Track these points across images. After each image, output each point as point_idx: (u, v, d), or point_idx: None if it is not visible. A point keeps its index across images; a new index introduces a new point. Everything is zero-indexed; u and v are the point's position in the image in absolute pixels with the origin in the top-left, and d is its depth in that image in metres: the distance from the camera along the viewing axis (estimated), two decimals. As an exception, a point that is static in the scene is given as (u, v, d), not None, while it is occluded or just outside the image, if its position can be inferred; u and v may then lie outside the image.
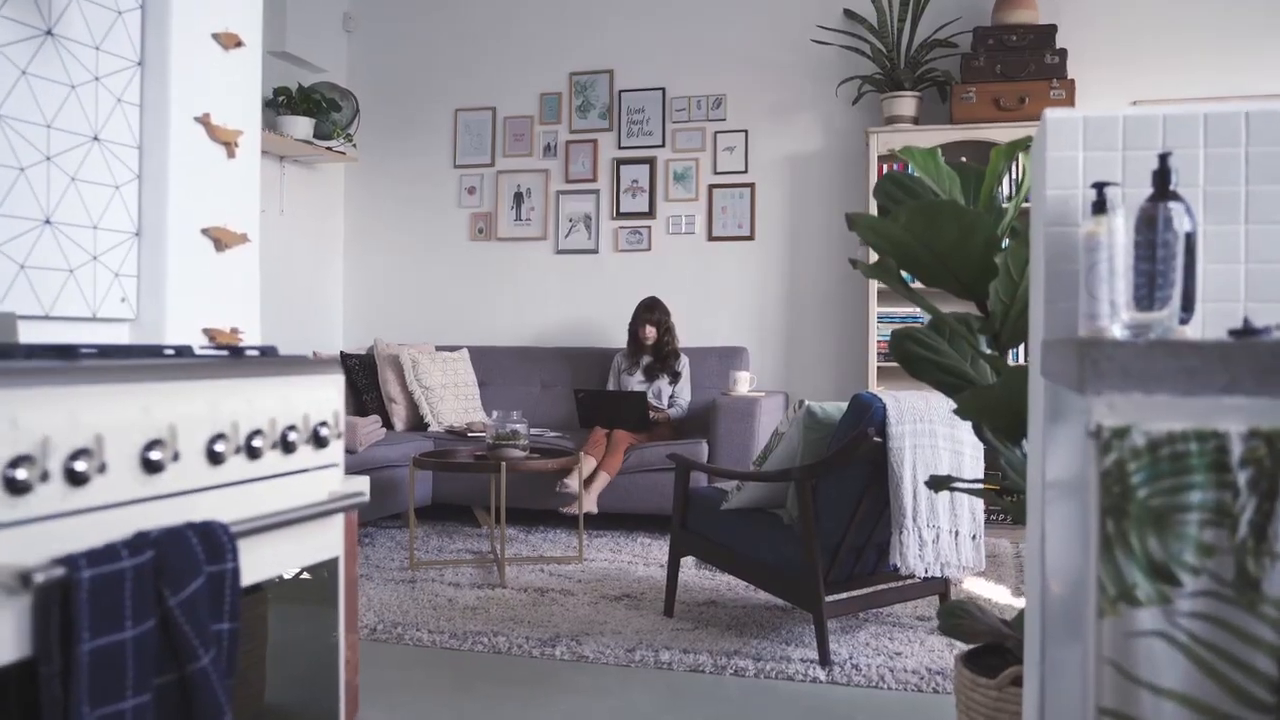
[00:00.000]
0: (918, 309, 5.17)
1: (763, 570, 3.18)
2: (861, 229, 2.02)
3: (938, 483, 2.11)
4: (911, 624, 3.40)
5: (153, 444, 1.10)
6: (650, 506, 4.83)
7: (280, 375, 1.34)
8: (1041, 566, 1.52)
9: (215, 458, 1.19)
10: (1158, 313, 1.22)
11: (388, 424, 5.31)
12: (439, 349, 5.73)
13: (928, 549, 2.96)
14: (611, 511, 4.91)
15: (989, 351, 2.12)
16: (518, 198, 6.06)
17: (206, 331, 2.10)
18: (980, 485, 2.32)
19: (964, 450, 3.08)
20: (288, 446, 1.32)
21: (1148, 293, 1.27)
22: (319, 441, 1.40)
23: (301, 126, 5.50)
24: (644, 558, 4.43)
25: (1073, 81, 4.87)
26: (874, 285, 5.11)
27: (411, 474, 4.26)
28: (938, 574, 3.02)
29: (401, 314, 6.24)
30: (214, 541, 1.11)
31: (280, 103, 5.47)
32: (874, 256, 5.15)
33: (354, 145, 5.90)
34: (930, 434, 2.98)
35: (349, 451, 4.49)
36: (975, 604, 2.17)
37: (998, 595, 3.81)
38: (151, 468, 1.09)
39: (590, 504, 4.73)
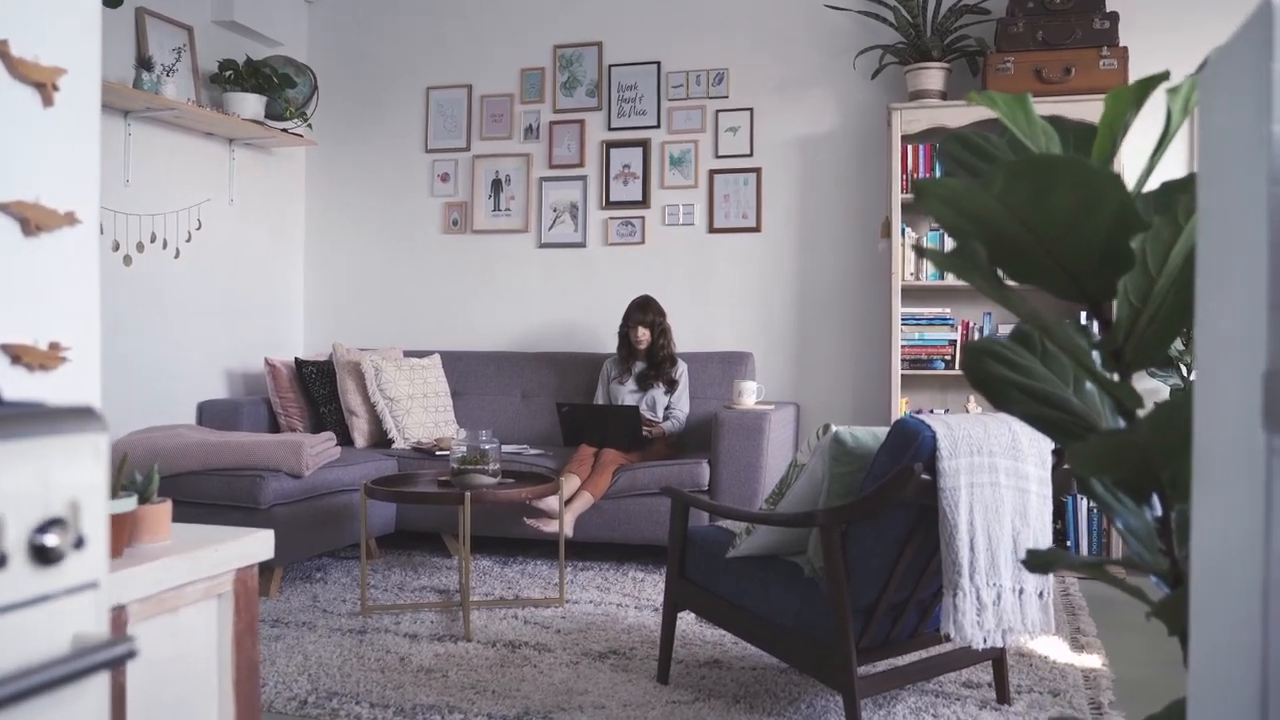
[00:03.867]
0: (948, 309, 4.58)
1: (779, 634, 2.58)
2: (933, 201, 1.41)
3: (1038, 562, 1.50)
4: (959, 693, 2.80)
5: None
6: (644, 536, 4.23)
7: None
8: (1263, 696, 0.94)
9: None
10: None
11: (347, 440, 4.70)
12: (407, 355, 5.12)
13: (987, 613, 2.35)
14: (599, 541, 4.30)
15: (1105, 374, 1.52)
16: (496, 185, 5.45)
17: (8, 349, 1.50)
18: (1089, 560, 1.73)
19: (1029, 487, 2.48)
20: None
21: None
22: (44, 556, 0.80)
23: (250, 105, 4.89)
24: (635, 598, 3.83)
25: (1125, 49, 4.27)
26: (897, 282, 4.50)
27: (363, 504, 3.65)
28: (998, 642, 2.41)
29: (366, 315, 5.63)
30: None
31: (227, 78, 4.86)
32: (896, 239, 4.55)
33: (310, 126, 5.29)
34: (990, 469, 2.38)
35: (294, 476, 3.87)
36: (1084, 724, 1.57)
37: (1052, 650, 3.21)
38: None
39: (567, 527, 4.09)
